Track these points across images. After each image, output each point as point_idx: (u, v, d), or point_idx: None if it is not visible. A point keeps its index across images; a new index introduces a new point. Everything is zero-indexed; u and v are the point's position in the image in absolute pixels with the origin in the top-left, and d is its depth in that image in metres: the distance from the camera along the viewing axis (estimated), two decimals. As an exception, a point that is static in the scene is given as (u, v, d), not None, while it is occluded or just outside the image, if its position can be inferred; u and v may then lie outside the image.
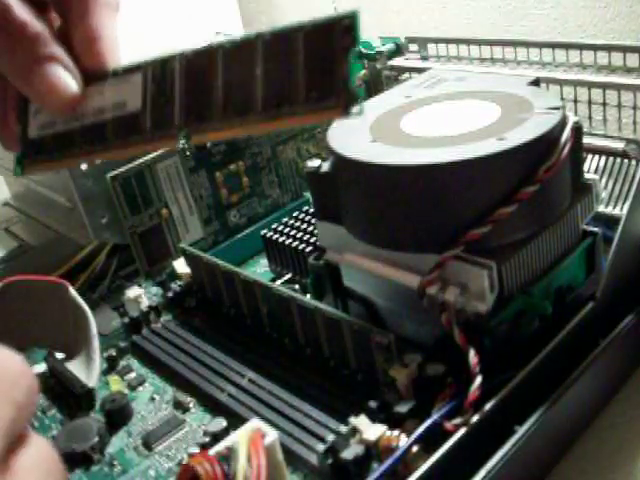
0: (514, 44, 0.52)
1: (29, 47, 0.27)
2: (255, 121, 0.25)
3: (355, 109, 0.23)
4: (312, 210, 0.47)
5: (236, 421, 0.32)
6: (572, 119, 0.33)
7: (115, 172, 0.46)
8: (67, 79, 0.28)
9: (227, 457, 0.25)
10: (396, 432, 0.29)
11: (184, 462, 0.26)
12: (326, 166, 0.35)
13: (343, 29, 0.23)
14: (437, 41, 0.57)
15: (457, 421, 0.28)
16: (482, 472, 0.28)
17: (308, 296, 0.40)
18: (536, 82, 0.39)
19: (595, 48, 0.46)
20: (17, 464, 0.18)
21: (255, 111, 0.24)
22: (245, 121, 0.25)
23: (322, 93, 0.23)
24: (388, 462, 0.27)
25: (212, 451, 0.25)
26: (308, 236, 0.45)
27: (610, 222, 0.38)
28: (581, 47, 0.47)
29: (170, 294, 0.47)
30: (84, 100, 0.28)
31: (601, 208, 0.41)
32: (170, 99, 0.27)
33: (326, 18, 0.24)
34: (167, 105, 0.27)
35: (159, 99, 0.27)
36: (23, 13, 0.27)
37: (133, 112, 0.27)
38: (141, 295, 0.45)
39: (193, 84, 0.26)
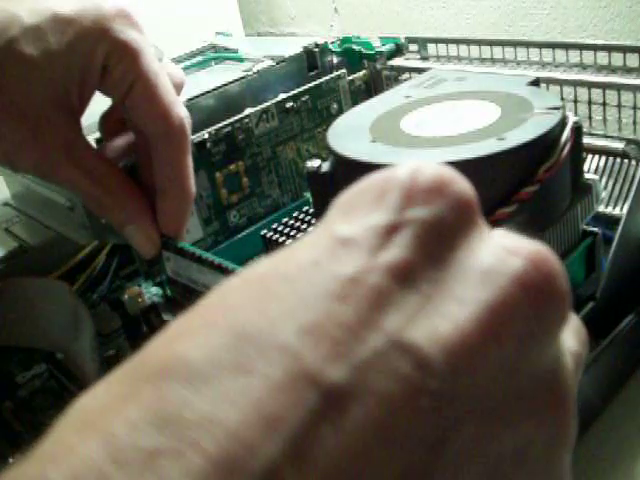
0: (514, 44, 0.52)
1: (119, 213, 0.36)
2: None
3: None
4: (312, 210, 0.47)
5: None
6: (572, 119, 0.33)
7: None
8: (142, 244, 0.36)
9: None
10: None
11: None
12: (326, 166, 0.35)
13: None
14: (437, 41, 0.57)
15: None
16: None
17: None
18: (536, 82, 0.39)
19: (595, 48, 0.46)
20: None
21: None
22: None
23: None
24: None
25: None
26: (308, 236, 0.45)
27: (610, 222, 0.38)
28: (581, 47, 0.47)
29: (170, 294, 0.47)
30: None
31: (601, 208, 0.41)
32: None
33: None
34: None
35: None
36: (119, 182, 0.35)
37: None
38: (141, 295, 0.45)
39: None
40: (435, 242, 0.14)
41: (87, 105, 0.35)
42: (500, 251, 0.14)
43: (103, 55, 0.33)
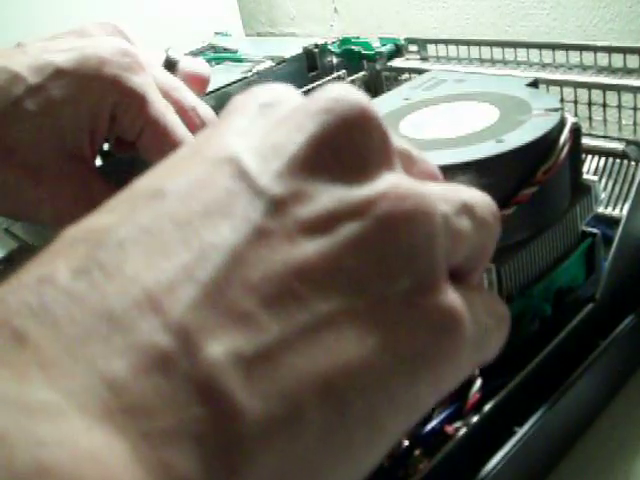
0: (514, 45, 0.52)
1: None
2: None
3: None
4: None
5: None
6: (571, 120, 0.33)
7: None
8: None
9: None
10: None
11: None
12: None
13: None
14: (437, 42, 0.57)
15: (458, 424, 0.28)
16: (482, 474, 0.28)
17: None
18: (534, 83, 0.39)
19: (595, 49, 0.46)
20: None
21: None
22: None
23: None
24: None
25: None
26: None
27: (610, 223, 0.38)
28: (581, 48, 0.47)
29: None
30: None
31: (601, 209, 0.41)
32: None
33: None
34: None
35: None
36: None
37: None
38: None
39: None
40: (270, 107, 0.17)
41: (99, 149, 0.36)
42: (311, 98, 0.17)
43: (110, 106, 0.33)
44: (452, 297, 0.16)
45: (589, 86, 0.45)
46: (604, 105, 0.45)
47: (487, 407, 0.29)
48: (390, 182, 0.16)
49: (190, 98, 0.37)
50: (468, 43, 0.54)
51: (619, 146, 0.42)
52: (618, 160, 0.43)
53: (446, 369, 0.16)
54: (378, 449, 0.15)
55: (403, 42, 0.58)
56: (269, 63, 0.55)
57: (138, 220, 0.14)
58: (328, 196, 0.15)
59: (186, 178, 0.15)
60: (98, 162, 0.39)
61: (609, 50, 0.46)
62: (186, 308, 0.13)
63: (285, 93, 0.18)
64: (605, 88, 0.45)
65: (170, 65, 0.38)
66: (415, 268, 0.15)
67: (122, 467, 0.11)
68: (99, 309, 0.12)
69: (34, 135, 0.32)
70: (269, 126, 0.16)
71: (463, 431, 0.28)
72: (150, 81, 0.34)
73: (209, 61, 0.62)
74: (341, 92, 0.16)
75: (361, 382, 0.14)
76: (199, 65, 0.40)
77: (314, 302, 0.14)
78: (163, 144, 0.34)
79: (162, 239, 0.14)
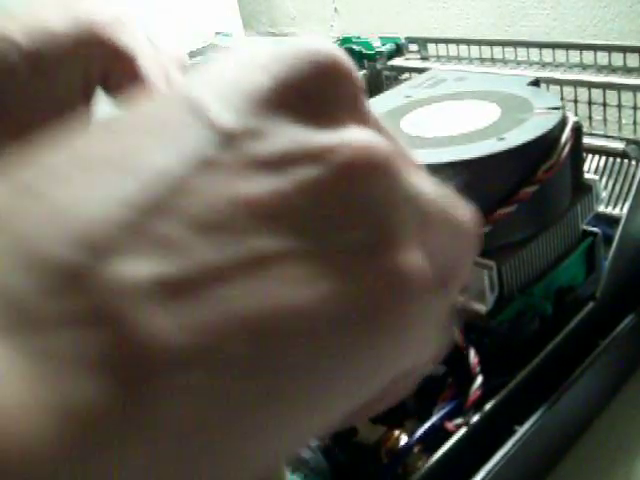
0: (514, 44, 0.52)
1: None
2: None
3: None
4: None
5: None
6: (572, 119, 0.33)
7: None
8: None
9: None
10: (397, 432, 0.29)
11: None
12: (326, 166, 0.35)
13: None
14: (437, 41, 0.57)
15: (458, 421, 0.28)
16: (482, 472, 0.28)
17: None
18: (536, 82, 0.39)
19: (595, 48, 0.46)
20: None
21: None
22: None
23: None
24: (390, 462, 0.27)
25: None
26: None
27: (610, 222, 0.38)
28: (581, 47, 0.47)
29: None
30: None
31: (601, 208, 0.41)
32: None
33: None
34: None
35: None
36: None
37: None
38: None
39: None
40: (242, 56, 0.17)
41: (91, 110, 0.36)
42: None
43: (102, 66, 0.33)
44: (416, 261, 0.15)
45: (589, 85, 0.45)
46: (604, 104, 0.45)
47: (488, 406, 0.29)
48: (358, 134, 0.15)
49: (173, 71, 0.37)
50: (468, 42, 0.54)
51: (619, 145, 0.42)
52: (618, 159, 0.43)
53: (408, 329, 0.15)
54: (326, 408, 0.14)
55: (403, 41, 0.58)
56: (269, 62, 0.55)
57: (82, 151, 0.14)
58: (288, 136, 0.14)
59: (140, 114, 0.15)
60: None
61: (609, 49, 0.46)
62: (106, 228, 0.12)
63: (261, 47, 0.18)
64: (605, 87, 0.45)
65: None
66: (373, 220, 0.15)
67: (17, 389, 0.11)
68: (16, 231, 0.12)
69: (30, 100, 0.32)
70: (236, 69, 0.16)
71: (463, 429, 0.28)
72: (141, 44, 0.34)
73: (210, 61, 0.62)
74: (316, 42, 0.16)
75: (303, 327, 0.13)
76: (175, 51, 0.40)
77: (257, 237, 0.13)
78: None
79: (102, 167, 0.13)
